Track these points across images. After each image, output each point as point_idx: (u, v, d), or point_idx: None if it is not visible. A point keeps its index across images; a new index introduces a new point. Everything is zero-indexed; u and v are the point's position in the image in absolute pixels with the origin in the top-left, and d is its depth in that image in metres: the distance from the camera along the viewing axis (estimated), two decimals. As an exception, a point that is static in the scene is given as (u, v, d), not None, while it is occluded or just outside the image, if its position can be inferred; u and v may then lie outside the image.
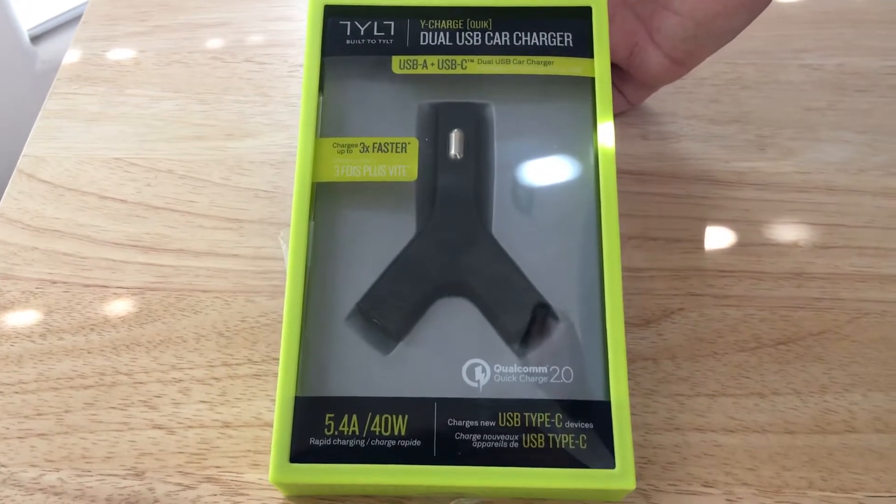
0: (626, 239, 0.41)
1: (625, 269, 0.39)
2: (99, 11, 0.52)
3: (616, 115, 0.46)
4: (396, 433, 0.32)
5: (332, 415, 0.32)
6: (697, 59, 0.42)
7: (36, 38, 1.08)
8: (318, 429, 0.32)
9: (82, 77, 0.48)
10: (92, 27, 0.51)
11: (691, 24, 0.39)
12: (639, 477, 0.34)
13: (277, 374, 0.37)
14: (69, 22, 1.09)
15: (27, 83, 1.07)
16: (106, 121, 0.46)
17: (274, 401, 0.37)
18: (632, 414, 0.33)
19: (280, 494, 0.34)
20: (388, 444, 0.32)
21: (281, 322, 0.39)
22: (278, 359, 0.38)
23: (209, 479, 0.35)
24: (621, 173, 0.44)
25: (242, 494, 0.34)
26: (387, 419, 0.32)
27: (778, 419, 0.36)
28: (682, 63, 0.42)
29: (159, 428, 0.36)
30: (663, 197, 0.43)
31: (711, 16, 0.39)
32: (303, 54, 0.49)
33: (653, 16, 0.41)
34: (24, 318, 0.39)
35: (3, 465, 0.35)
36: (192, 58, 0.49)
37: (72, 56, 0.49)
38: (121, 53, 0.50)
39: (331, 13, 0.38)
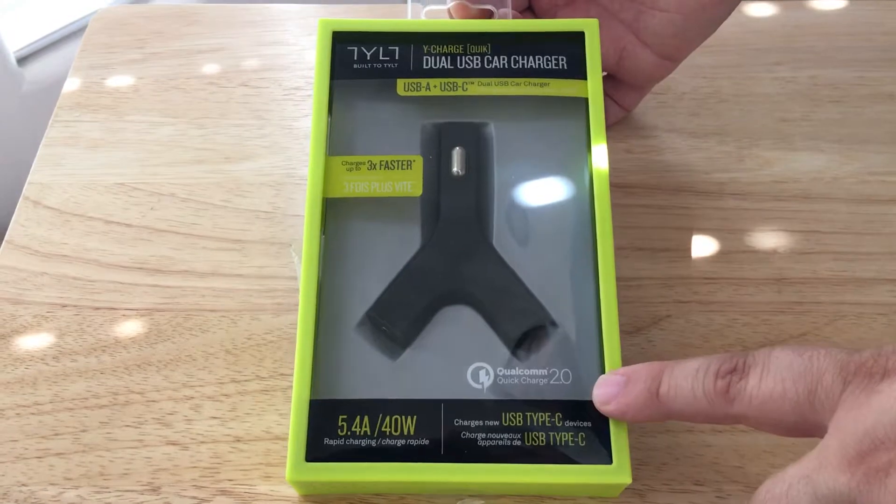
0: (615, 250, 0.43)
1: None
2: (97, 40, 0.53)
3: (611, 125, 0.48)
4: (406, 433, 0.33)
5: (345, 416, 0.34)
6: (686, 52, 0.44)
7: (22, 60, 1.08)
8: (332, 429, 0.34)
9: (83, 105, 0.50)
10: (90, 55, 0.52)
11: (680, 19, 0.41)
12: (634, 477, 0.36)
13: (284, 389, 0.39)
14: (55, 43, 1.10)
15: (14, 104, 1.08)
16: (107, 147, 0.48)
17: (282, 415, 0.38)
18: (625, 418, 0.35)
19: (291, 504, 0.36)
20: (398, 444, 0.33)
21: (286, 338, 0.40)
22: (285, 374, 0.39)
23: (223, 492, 0.36)
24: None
25: (256, 506, 0.36)
26: (396, 420, 0.34)
27: (763, 418, 0.38)
28: (671, 58, 0.44)
29: (173, 444, 0.37)
30: (648, 208, 0.45)
31: (699, 8, 0.41)
32: (297, 77, 0.51)
33: (638, 17, 0.43)
34: (37, 341, 0.41)
35: (24, 485, 0.36)
36: (190, 83, 0.51)
37: (71, 84, 0.51)
38: (120, 81, 0.51)
39: (339, 39, 0.40)
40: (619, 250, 0.43)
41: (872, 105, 0.49)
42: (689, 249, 0.44)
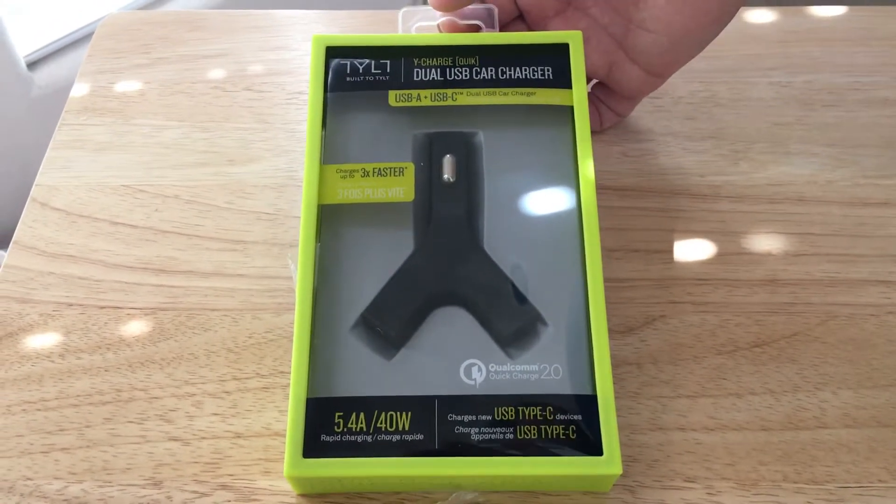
0: (609, 251, 0.44)
1: (608, 279, 0.42)
2: (104, 45, 0.54)
3: (606, 128, 0.49)
4: (401, 428, 0.34)
5: (341, 413, 0.35)
6: (673, 69, 0.44)
7: (32, 64, 1.10)
8: (329, 426, 0.34)
9: (90, 109, 0.51)
10: (97, 60, 0.53)
11: (666, 41, 0.42)
12: (625, 474, 0.37)
13: (284, 386, 0.40)
14: (65, 48, 1.11)
15: (24, 109, 1.09)
16: (114, 150, 0.49)
17: (282, 412, 0.39)
18: (617, 416, 0.35)
19: (290, 498, 0.37)
20: (394, 439, 0.34)
21: (286, 337, 0.41)
22: (285, 372, 0.40)
23: (223, 487, 0.37)
24: (604, 189, 0.47)
25: (255, 500, 0.37)
26: (391, 416, 0.35)
27: (754, 417, 0.39)
28: (659, 75, 0.45)
29: (175, 440, 0.38)
30: (644, 211, 0.46)
31: (685, 31, 0.41)
32: (299, 81, 0.52)
33: (626, 35, 0.43)
34: (44, 339, 0.41)
35: (29, 479, 0.37)
36: (195, 88, 0.52)
37: (79, 89, 0.52)
38: (126, 85, 0.52)
39: (332, 54, 0.42)
40: (614, 252, 0.44)
41: (866, 109, 0.50)
42: (683, 251, 0.44)
